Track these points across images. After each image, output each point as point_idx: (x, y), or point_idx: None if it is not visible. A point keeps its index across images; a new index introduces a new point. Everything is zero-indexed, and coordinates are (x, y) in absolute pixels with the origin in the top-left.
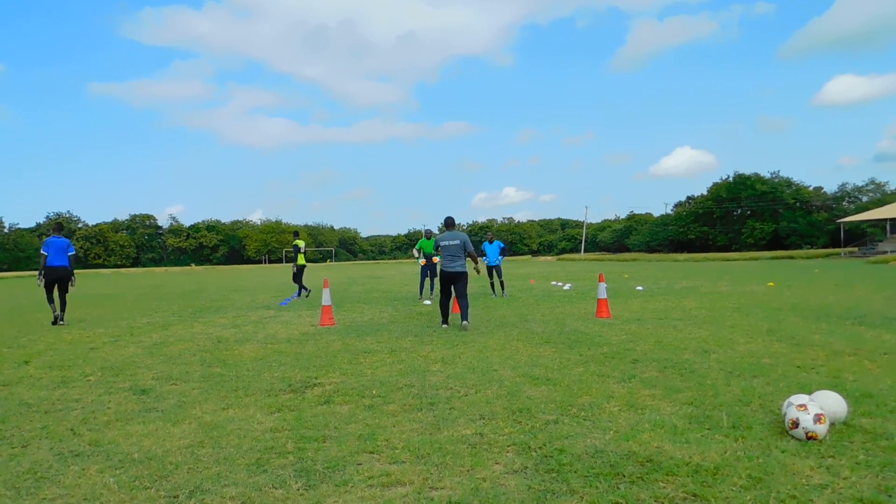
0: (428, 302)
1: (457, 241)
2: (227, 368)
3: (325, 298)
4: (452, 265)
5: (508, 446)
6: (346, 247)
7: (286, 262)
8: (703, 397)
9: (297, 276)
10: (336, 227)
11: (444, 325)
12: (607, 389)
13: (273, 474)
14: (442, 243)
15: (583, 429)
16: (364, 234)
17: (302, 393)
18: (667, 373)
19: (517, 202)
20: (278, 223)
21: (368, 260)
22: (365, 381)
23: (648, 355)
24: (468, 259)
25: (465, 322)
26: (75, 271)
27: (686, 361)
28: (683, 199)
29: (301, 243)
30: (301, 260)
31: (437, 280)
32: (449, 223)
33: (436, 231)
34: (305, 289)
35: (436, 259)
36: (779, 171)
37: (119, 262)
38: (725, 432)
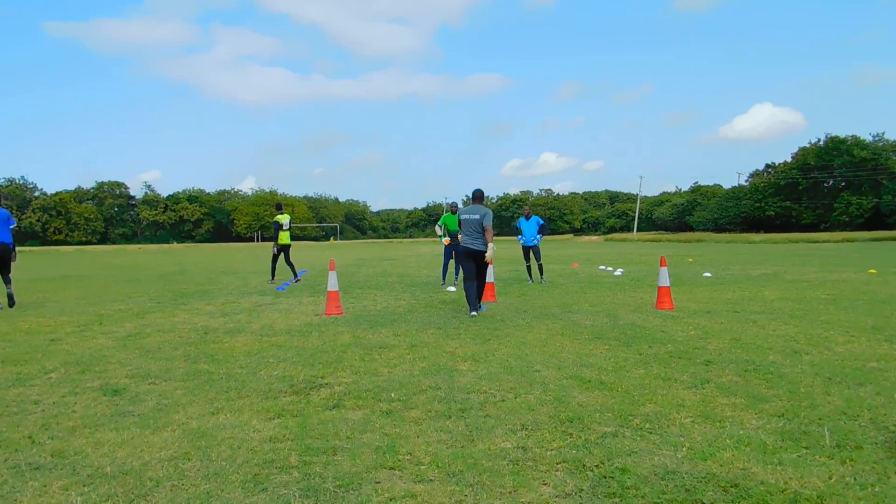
0: (452, 288)
1: (476, 216)
2: (216, 365)
3: (332, 283)
4: (474, 242)
5: (558, 463)
6: (354, 223)
7: (268, 240)
8: (796, 408)
9: (275, 260)
10: (342, 200)
11: (473, 314)
12: (676, 396)
13: (274, 493)
14: (462, 217)
15: (648, 444)
16: (374, 208)
17: (306, 395)
18: (748, 377)
19: (557, 171)
20: (273, 194)
21: (380, 238)
22: (381, 381)
23: (724, 355)
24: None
25: (473, 312)
26: (16, 248)
27: (772, 364)
28: (761, 167)
29: (284, 218)
30: (284, 238)
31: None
32: (477, 196)
33: (462, 205)
34: (293, 273)
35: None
36: (883, 134)
37: (84, 238)
38: (828, 453)
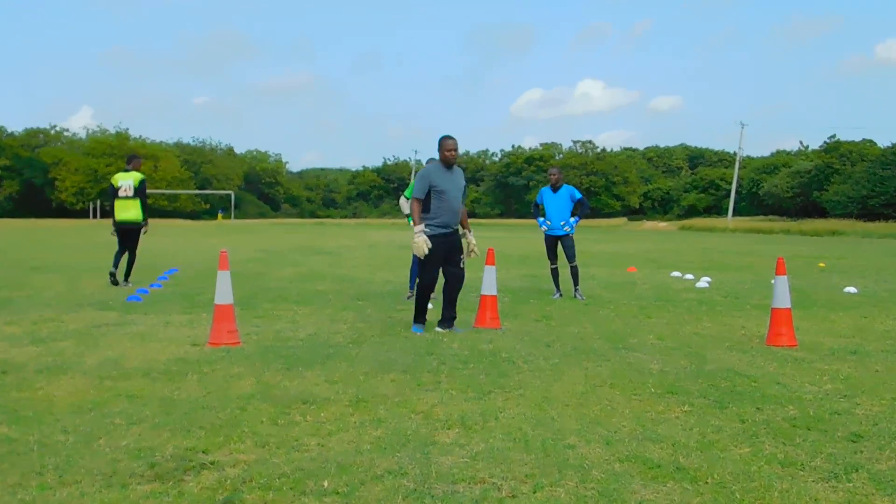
0: (429, 304)
1: (464, 183)
2: (22, 428)
3: (222, 291)
4: (456, 221)
5: None
6: (259, 189)
7: (103, 216)
8: None
9: (122, 247)
10: (239, 151)
11: (444, 330)
12: (804, 493)
13: None
14: (439, 186)
15: None
16: (295, 165)
17: (178, 482)
18: None
19: (604, 110)
20: (122, 137)
21: (304, 217)
22: (305, 460)
23: (882, 426)
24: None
25: (440, 328)
26: None
27: None
28: None
29: (122, 179)
30: (124, 213)
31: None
32: (446, 149)
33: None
34: (113, 276)
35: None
36: None
37: None
38: None
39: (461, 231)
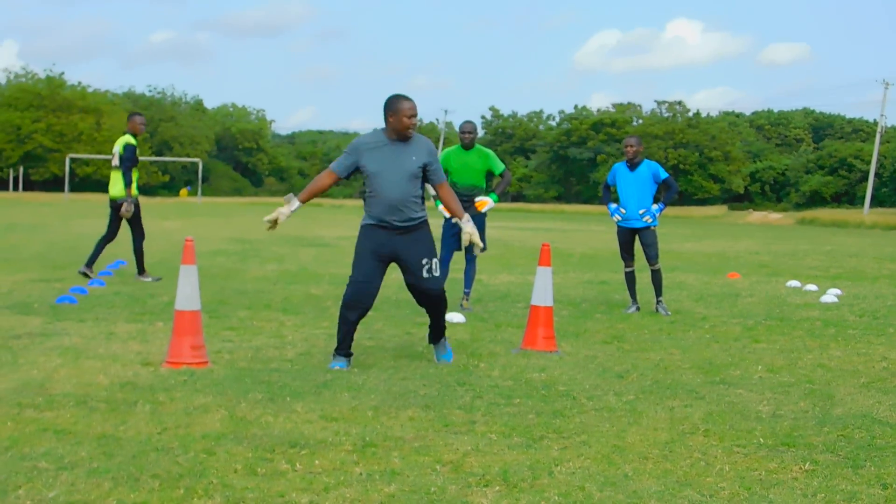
0: (459, 317)
1: (427, 161)
2: None
3: (184, 293)
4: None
5: None
6: (235, 158)
7: (71, 189)
8: None
9: (135, 231)
10: (211, 106)
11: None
12: None
13: None
14: (369, 167)
15: None
16: (283, 127)
17: None
18: None
19: (700, 61)
20: (55, 83)
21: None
22: None
23: None
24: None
25: (436, 343)
26: None
27: None
28: None
29: (117, 145)
30: (116, 186)
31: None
32: (404, 114)
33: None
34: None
35: (483, 204)
36: None
37: None
38: None
39: (453, 219)
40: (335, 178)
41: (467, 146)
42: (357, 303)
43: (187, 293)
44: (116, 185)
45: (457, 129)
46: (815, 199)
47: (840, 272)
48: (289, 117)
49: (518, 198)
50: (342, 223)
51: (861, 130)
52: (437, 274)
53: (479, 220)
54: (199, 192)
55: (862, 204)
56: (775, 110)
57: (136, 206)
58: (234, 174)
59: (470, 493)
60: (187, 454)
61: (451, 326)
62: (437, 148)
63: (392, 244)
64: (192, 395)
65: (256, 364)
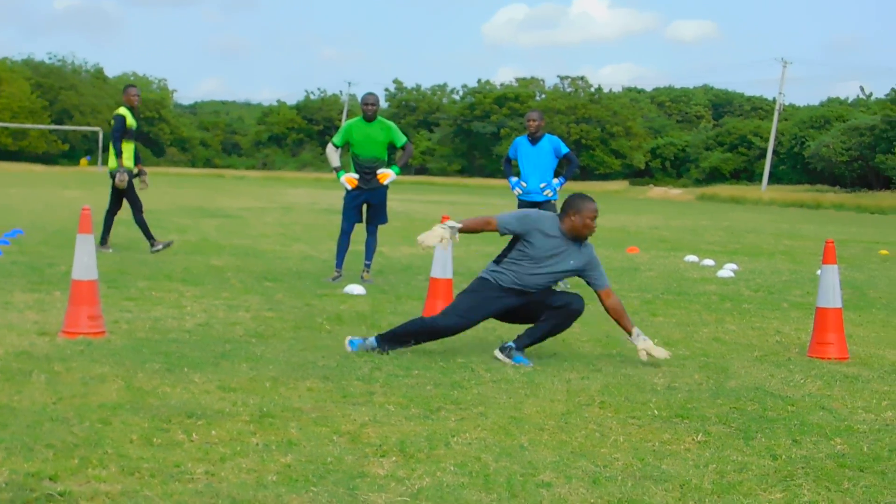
0: (358, 288)
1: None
2: None
3: (81, 263)
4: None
5: None
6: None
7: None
8: None
9: (132, 204)
10: (112, 74)
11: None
12: None
13: None
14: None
15: None
16: (186, 97)
17: None
18: None
19: (606, 37)
20: None
21: (196, 166)
22: (190, 497)
23: None
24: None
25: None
26: None
27: None
28: None
29: (120, 111)
30: (111, 159)
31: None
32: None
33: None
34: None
35: (385, 176)
36: None
37: None
38: None
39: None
40: (494, 230)
41: (370, 118)
42: (450, 333)
43: (84, 262)
44: (111, 158)
45: (359, 100)
46: (715, 176)
47: (737, 248)
48: (193, 87)
49: (421, 171)
50: (245, 194)
51: (760, 108)
52: (573, 293)
53: (381, 192)
54: (100, 161)
55: (760, 181)
56: (676, 87)
57: (130, 177)
58: (140, 146)
59: (367, 463)
60: (83, 424)
61: (352, 298)
62: (341, 119)
63: (512, 302)
64: (88, 364)
65: (155, 334)
